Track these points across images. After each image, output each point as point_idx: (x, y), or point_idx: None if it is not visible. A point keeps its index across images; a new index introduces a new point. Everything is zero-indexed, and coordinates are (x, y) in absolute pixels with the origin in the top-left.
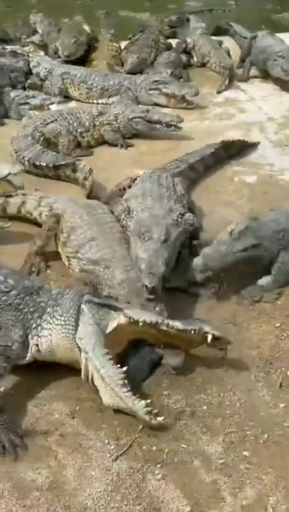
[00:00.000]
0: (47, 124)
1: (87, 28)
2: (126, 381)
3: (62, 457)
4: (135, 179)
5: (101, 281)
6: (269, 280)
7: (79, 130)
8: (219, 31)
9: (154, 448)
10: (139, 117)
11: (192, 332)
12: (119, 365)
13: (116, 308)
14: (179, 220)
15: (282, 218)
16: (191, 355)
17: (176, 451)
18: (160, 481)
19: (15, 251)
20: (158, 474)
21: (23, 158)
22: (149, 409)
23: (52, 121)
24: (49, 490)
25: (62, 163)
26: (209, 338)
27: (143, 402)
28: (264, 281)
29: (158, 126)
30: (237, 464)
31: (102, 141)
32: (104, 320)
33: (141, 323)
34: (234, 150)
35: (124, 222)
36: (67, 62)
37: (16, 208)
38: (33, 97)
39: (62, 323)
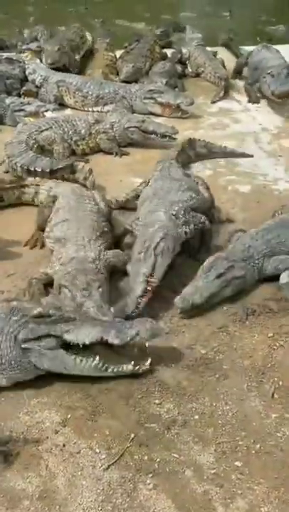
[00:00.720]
0: (41, 131)
1: (88, 35)
2: None
3: (53, 466)
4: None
5: (53, 258)
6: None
7: (74, 138)
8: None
9: (146, 457)
10: (134, 127)
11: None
12: None
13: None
14: (180, 215)
15: (247, 238)
16: (183, 364)
17: (167, 461)
18: (151, 491)
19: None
20: (149, 484)
21: (16, 164)
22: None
23: (46, 129)
24: (39, 499)
25: (60, 166)
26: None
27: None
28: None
29: (152, 136)
30: (229, 474)
31: (97, 150)
32: None
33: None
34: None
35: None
36: (54, 69)
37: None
38: (28, 103)
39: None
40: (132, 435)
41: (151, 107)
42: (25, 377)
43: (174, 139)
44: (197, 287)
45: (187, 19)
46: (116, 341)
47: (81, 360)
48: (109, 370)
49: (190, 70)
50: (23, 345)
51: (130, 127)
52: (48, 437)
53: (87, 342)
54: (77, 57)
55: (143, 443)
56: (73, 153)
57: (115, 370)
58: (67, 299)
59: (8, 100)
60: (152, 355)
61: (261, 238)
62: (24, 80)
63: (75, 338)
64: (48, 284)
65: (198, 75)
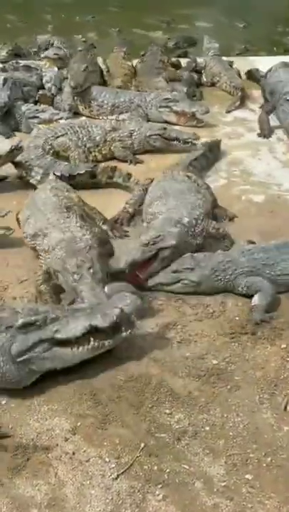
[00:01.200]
0: (57, 136)
1: (100, 61)
2: None
3: (63, 474)
4: (152, 180)
5: (40, 252)
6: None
7: (88, 145)
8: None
9: (155, 468)
10: (157, 134)
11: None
12: None
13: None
14: (199, 221)
15: (236, 252)
16: (194, 374)
17: (177, 472)
18: (160, 502)
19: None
20: (158, 495)
21: (33, 167)
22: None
23: (62, 135)
24: (48, 507)
25: (80, 172)
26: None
27: None
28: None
29: (175, 142)
30: (239, 487)
31: (109, 157)
32: None
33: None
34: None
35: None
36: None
37: None
38: (43, 111)
39: None
40: (142, 445)
41: (167, 115)
42: (21, 385)
43: (195, 144)
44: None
45: (203, 29)
46: (104, 324)
47: (78, 348)
48: (107, 344)
49: (205, 80)
50: (18, 359)
51: (152, 135)
52: (57, 445)
53: (78, 334)
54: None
55: (153, 453)
56: (85, 159)
57: (111, 342)
58: (63, 283)
59: (24, 107)
60: (164, 365)
61: (249, 255)
62: (41, 87)
63: (66, 336)
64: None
65: (213, 85)
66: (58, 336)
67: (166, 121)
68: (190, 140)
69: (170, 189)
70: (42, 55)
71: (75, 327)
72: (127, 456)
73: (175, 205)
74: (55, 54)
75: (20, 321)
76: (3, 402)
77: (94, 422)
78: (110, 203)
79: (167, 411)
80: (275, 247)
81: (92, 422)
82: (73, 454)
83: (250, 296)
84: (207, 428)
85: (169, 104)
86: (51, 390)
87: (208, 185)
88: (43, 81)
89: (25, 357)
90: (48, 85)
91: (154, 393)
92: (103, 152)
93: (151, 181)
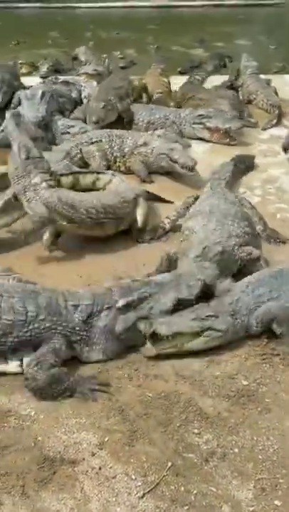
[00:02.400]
0: (92, 142)
1: (136, 80)
2: None
3: (88, 489)
4: (197, 197)
5: None
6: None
7: (115, 154)
8: None
9: (182, 488)
10: (164, 154)
11: None
12: None
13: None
14: (235, 249)
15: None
16: (224, 395)
17: (204, 494)
18: None
19: None
20: None
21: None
22: None
23: (97, 141)
24: None
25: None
26: None
27: None
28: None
29: (176, 165)
30: None
31: (131, 171)
32: None
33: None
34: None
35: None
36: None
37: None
38: (73, 126)
39: None
40: (169, 464)
41: (200, 132)
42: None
43: (192, 173)
44: (171, 320)
45: (241, 47)
46: (190, 297)
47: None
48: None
49: (241, 98)
50: (121, 337)
51: (161, 153)
52: (84, 459)
53: (169, 309)
54: (128, 100)
55: (180, 473)
56: (108, 168)
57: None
58: None
59: (60, 122)
60: (193, 384)
61: (252, 293)
62: (80, 102)
63: (159, 312)
64: None
65: (249, 102)
66: (153, 312)
67: (200, 138)
68: (187, 165)
69: (216, 209)
70: (81, 71)
71: (165, 302)
72: (153, 474)
73: (213, 230)
74: (94, 70)
75: (120, 302)
76: (32, 413)
77: (121, 437)
78: None
79: (196, 431)
80: (272, 277)
81: (119, 437)
82: (100, 469)
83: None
84: (236, 450)
85: (202, 121)
86: (79, 403)
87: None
88: (82, 96)
89: (127, 334)
90: (85, 101)
91: (183, 412)
92: (127, 164)
93: (195, 199)
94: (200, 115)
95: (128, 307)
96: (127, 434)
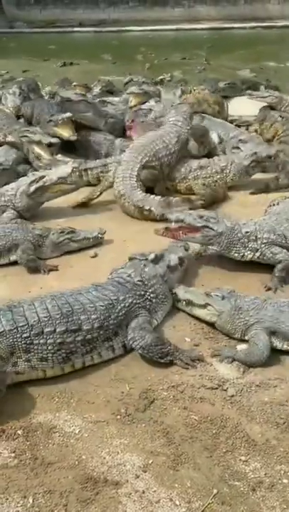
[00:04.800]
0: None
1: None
2: None
3: None
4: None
5: None
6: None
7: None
8: None
9: None
10: (254, 161)
11: None
12: None
13: None
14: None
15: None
16: (273, 421)
17: None
18: None
19: None
20: None
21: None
22: None
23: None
24: None
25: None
26: None
27: None
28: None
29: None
30: None
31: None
32: None
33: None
34: None
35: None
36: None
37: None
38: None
39: None
40: (215, 491)
41: None
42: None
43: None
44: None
45: None
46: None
47: None
48: None
49: None
50: (165, 278)
51: (252, 162)
52: (127, 481)
53: (182, 254)
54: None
55: (226, 501)
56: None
57: None
58: None
59: (117, 141)
60: (241, 409)
61: (274, 310)
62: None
63: (173, 264)
64: None
65: None
66: (171, 263)
67: None
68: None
69: (285, 212)
70: (127, 91)
71: (174, 258)
72: (198, 501)
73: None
74: (140, 89)
75: (151, 256)
76: (77, 431)
77: (166, 461)
78: None
79: (243, 458)
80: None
81: (163, 460)
82: (143, 492)
83: None
84: (285, 481)
85: (239, 145)
86: (124, 424)
87: None
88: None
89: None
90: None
91: (230, 437)
92: (177, 188)
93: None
94: (240, 140)
95: (159, 259)
96: (172, 457)
